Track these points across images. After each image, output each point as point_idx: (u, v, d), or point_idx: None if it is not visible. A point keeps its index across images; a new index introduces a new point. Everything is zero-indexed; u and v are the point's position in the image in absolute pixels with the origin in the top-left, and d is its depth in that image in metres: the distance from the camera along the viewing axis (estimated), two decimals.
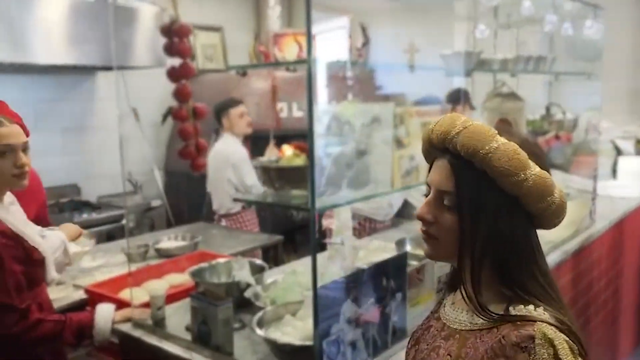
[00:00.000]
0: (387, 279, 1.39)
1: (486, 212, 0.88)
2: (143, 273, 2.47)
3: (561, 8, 4.21)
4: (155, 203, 4.50)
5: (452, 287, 1.01)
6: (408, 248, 2.10)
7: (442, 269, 1.64)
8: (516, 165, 0.85)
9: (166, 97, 4.72)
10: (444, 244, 0.93)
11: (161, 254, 2.91)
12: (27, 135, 2.24)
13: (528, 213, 0.89)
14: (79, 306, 2.25)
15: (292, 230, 3.63)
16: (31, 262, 1.62)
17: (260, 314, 1.52)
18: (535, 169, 0.87)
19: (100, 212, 3.96)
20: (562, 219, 0.91)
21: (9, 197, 1.75)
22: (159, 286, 2.40)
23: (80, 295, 2.32)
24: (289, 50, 4.82)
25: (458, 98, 3.81)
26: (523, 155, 0.86)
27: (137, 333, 1.69)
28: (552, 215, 0.89)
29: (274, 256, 3.35)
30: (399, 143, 1.41)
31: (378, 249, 2.06)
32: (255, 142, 3.84)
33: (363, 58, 5.29)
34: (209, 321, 1.47)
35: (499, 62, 2.39)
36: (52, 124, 4.18)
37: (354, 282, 1.30)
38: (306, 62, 1.12)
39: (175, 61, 1.76)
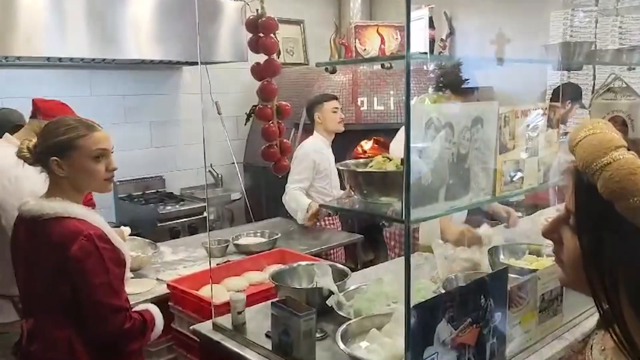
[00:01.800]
0: (486, 296, 1.26)
1: (607, 234, 0.74)
2: (223, 270, 2.46)
3: None
4: (235, 196, 4.54)
5: (604, 325, 0.86)
6: (501, 258, 1.93)
7: (545, 286, 1.48)
8: (629, 187, 0.70)
9: (247, 91, 4.78)
10: (569, 269, 0.81)
11: (240, 250, 2.90)
12: None
13: None
14: (163, 300, 2.27)
15: (372, 228, 3.52)
16: (121, 262, 1.62)
17: (344, 326, 1.43)
18: None
19: (183, 205, 4.04)
20: None
21: None
22: (239, 284, 2.38)
23: (164, 289, 2.34)
24: (371, 43, 4.69)
25: (565, 95, 3.52)
26: None
27: (217, 337, 1.65)
28: None
29: (352, 255, 3.26)
30: (502, 146, 1.26)
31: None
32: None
33: (447, 50, 5.07)
34: (291, 331, 1.40)
35: (611, 54, 2.13)
36: (141, 117, 4.31)
37: (451, 301, 1.17)
38: (404, 57, 1.00)
39: (260, 57, 1.69)
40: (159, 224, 3.87)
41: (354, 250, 3.22)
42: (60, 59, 3.49)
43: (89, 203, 1.93)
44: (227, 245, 2.90)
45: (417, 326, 1.11)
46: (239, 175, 4.67)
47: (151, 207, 3.97)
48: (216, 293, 2.23)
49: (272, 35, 1.56)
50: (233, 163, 4.66)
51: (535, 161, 1.35)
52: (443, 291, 1.63)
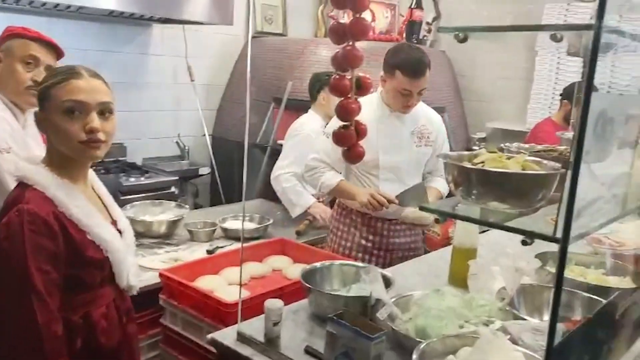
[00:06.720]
0: (603, 328, 1.06)
1: None
2: (221, 259, 2.16)
3: None
4: (204, 171, 4.17)
5: None
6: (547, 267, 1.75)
7: (637, 305, 1.30)
8: None
9: (225, 58, 4.39)
10: None
11: (228, 235, 2.61)
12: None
13: None
14: (152, 292, 1.95)
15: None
16: (81, 261, 1.28)
17: (420, 348, 1.19)
18: None
19: (149, 177, 3.64)
20: None
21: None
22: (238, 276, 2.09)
23: (151, 278, 2.02)
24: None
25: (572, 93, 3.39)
26: None
27: (246, 352, 1.36)
28: None
29: None
30: None
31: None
32: None
33: (432, 34, 4.88)
34: (355, 355, 1.15)
35: None
36: (103, 76, 3.84)
37: (580, 340, 0.96)
38: (592, 28, 0.76)
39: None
40: (121, 197, 3.46)
41: None
42: (17, 1, 3.02)
43: None
44: (215, 229, 2.59)
45: None
46: (210, 148, 4.31)
47: (112, 178, 3.56)
48: (217, 287, 1.95)
49: None
50: (204, 135, 4.29)
51: None
52: (510, 310, 1.43)
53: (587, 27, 0.78)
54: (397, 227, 2.42)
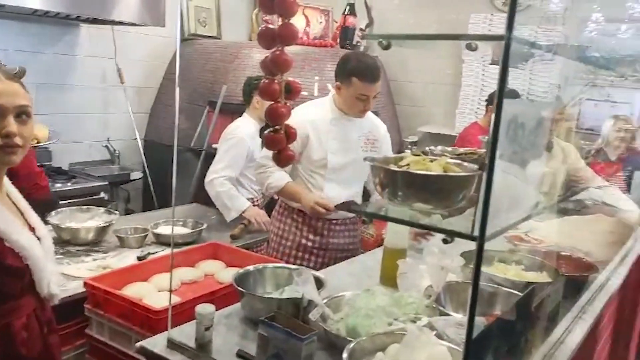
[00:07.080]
0: (526, 322, 1.12)
1: None
2: (152, 265, 2.11)
3: None
4: (136, 175, 4.06)
5: None
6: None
7: (551, 298, 1.38)
8: None
9: (157, 60, 4.30)
10: None
11: (161, 240, 2.55)
12: None
13: None
14: (79, 301, 1.87)
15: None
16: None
17: (351, 347, 1.21)
18: None
19: (76, 182, 3.50)
20: None
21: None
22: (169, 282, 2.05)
23: (76, 287, 1.95)
24: (297, 22, 4.43)
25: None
26: None
27: (177, 358, 1.34)
28: None
29: None
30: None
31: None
32: None
33: (365, 40, 4.97)
34: (286, 356, 1.16)
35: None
36: (26, 77, 3.66)
37: (498, 332, 1.01)
38: (503, 38, 0.81)
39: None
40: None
41: None
42: None
43: (33, 187, 1.46)
44: (146, 235, 2.52)
45: None
46: (142, 152, 4.20)
47: None
48: (146, 294, 1.91)
49: None
50: (135, 139, 4.18)
51: (563, 170, 1.25)
52: (436, 307, 1.48)
53: (499, 37, 0.83)
54: (337, 228, 2.46)
